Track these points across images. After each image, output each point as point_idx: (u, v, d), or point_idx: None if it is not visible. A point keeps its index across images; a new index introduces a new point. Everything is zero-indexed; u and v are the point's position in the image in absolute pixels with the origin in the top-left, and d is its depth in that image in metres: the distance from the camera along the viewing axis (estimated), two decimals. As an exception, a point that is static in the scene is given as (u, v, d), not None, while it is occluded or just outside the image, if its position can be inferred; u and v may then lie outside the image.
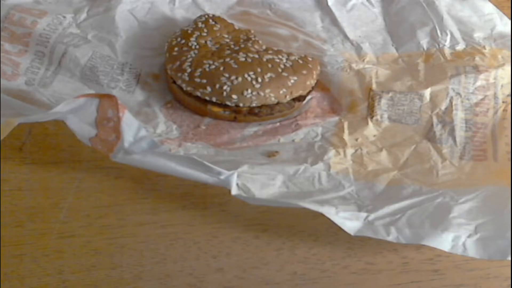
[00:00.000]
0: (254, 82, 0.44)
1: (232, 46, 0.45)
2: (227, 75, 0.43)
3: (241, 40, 0.47)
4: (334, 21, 0.53)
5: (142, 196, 0.44)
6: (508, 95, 0.46)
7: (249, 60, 0.44)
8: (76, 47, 0.45)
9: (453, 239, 0.39)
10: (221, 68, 0.44)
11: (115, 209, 0.43)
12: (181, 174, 0.39)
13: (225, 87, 0.44)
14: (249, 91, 0.44)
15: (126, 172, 0.44)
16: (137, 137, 0.38)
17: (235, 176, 0.40)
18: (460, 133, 0.45)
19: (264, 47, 0.47)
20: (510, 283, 0.44)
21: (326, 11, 0.53)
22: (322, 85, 0.50)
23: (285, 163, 0.44)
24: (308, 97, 0.48)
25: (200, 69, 0.44)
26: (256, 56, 0.45)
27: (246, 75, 0.43)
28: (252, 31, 0.49)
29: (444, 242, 0.39)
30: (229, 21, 0.50)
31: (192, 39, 0.46)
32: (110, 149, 0.38)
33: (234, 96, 0.44)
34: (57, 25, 0.46)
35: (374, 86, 0.47)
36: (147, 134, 0.39)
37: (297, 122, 0.47)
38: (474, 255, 0.39)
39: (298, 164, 0.44)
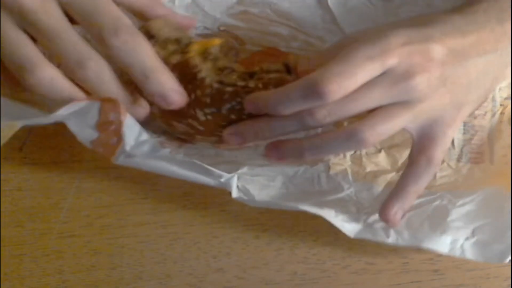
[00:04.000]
0: None
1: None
2: (200, 137, 0.41)
3: (190, 84, 0.40)
4: (334, 21, 0.52)
5: (142, 196, 0.44)
6: (505, 98, 0.46)
7: (210, 117, 0.39)
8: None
9: (451, 242, 0.40)
10: (191, 131, 0.41)
11: (115, 209, 0.43)
12: (182, 177, 0.39)
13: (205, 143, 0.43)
14: None
15: (126, 172, 0.43)
16: (138, 141, 0.38)
17: (235, 179, 0.40)
18: (458, 136, 0.45)
19: (214, 85, 0.39)
20: (510, 283, 0.44)
21: (326, 11, 0.53)
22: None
23: (285, 164, 0.44)
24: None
25: (174, 131, 0.42)
26: (214, 110, 0.39)
27: (217, 133, 0.40)
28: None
29: (442, 244, 0.40)
30: (228, 20, 0.49)
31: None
32: (111, 152, 0.38)
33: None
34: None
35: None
36: (148, 137, 0.39)
37: (297, 122, 0.47)
38: (472, 257, 0.40)
39: (297, 165, 0.44)
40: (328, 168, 0.44)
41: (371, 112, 0.37)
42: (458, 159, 0.45)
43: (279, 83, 0.38)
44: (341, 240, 0.44)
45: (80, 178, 0.43)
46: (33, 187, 0.43)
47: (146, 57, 0.36)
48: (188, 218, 0.44)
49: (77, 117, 0.37)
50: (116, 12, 0.36)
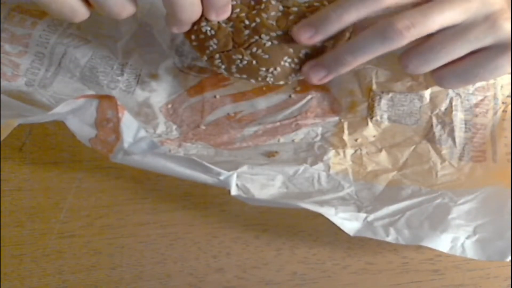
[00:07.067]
0: (293, 65, 0.41)
1: (247, 22, 0.41)
2: (263, 68, 0.41)
3: (254, 10, 0.41)
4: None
5: (142, 196, 0.44)
6: (507, 96, 0.46)
7: (276, 42, 0.40)
8: (76, 48, 0.45)
9: (452, 240, 0.39)
10: (254, 62, 0.41)
11: (115, 209, 0.43)
12: (180, 175, 0.39)
13: (268, 79, 0.42)
14: (292, 75, 0.42)
15: (126, 172, 0.44)
16: (136, 138, 0.38)
17: (234, 176, 0.40)
18: (459, 134, 0.45)
19: (279, 8, 0.41)
20: (510, 283, 0.44)
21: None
22: (322, 85, 0.49)
23: (285, 164, 0.44)
24: (308, 97, 0.48)
25: (233, 66, 0.41)
26: (280, 32, 0.40)
27: (282, 63, 0.41)
28: None
29: (443, 243, 0.39)
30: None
31: (203, 23, 0.41)
32: (109, 149, 0.38)
33: (281, 82, 0.42)
34: (57, 26, 0.46)
35: (374, 87, 0.47)
36: (147, 134, 0.39)
37: (297, 122, 0.47)
38: (473, 256, 0.39)
39: (297, 164, 0.44)
40: (328, 167, 0.44)
41: None
42: (460, 158, 0.45)
43: None
44: (341, 240, 0.44)
45: (80, 178, 0.44)
46: (33, 187, 0.43)
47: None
48: (188, 218, 0.44)
49: (75, 115, 0.37)
50: None
